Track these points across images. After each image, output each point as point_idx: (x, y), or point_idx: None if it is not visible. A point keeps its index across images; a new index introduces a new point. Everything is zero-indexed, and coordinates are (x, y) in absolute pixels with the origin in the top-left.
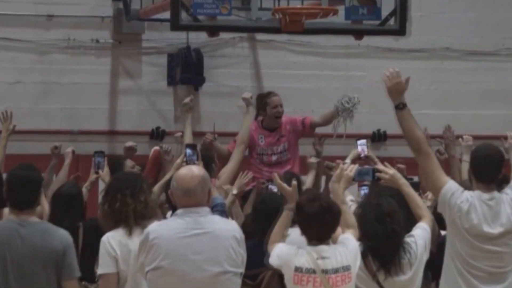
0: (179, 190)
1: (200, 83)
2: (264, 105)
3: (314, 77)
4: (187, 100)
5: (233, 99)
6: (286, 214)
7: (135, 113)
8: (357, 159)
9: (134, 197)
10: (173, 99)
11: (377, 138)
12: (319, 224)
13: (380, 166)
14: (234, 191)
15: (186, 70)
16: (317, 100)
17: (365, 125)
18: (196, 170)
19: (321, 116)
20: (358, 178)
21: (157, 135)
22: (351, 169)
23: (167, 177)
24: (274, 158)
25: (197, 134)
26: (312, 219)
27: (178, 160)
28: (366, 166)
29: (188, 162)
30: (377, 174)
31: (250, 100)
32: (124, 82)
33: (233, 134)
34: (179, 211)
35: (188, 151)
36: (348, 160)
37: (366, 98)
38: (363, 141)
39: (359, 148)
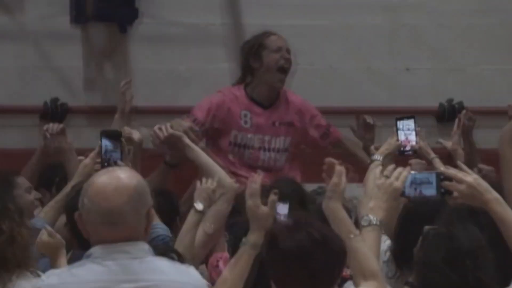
0: (94, 214)
1: (130, 19)
2: (258, 50)
3: (335, 5)
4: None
5: (189, 48)
6: (245, 255)
7: (13, 73)
8: (395, 154)
9: None
10: (82, 48)
11: (446, 114)
12: (305, 272)
13: (449, 169)
14: (199, 205)
15: None
16: (336, 47)
17: (422, 93)
18: (123, 176)
19: (353, 147)
20: (411, 192)
21: (53, 112)
22: (397, 176)
23: (67, 188)
24: (263, 156)
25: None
26: (292, 262)
27: (87, 159)
28: (425, 171)
29: (106, 162)
30: (445, 184)
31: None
32: None
33: (182, 110)
34: (95, 249)
35: (105, 142)
36: (378, 156)
37: (422, 40)
38: (409, 122)
39: (401, 134)
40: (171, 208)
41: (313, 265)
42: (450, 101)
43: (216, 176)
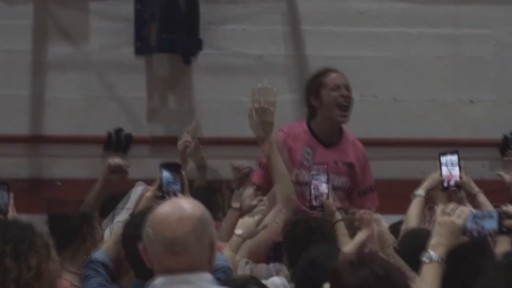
0: (157, 243)
1: (194, 50)
2: (317, 89)
3: (400, 37)
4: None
5: (252, 79)
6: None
7: (77, 103)
8: (438, 189)
9: (19, 260)
10: (146, 78)
11: (510, 146)
12: None
13: (509, 207)
14: (239, 231)
15: (169, 28)
16: (400, 79)
17: (486, 124)
18: (187, 207)
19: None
20: (473, 226)
21: (117, 143)
22: (459, 213)
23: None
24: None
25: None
26: None
27: (148, 192)
28: (486, 210)
29: (166, 194)
30: (508, 223)
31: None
32: (56, 49)
33: (246, 141)
34: (158, 279)
35: (166, 174)
36: (421, 192)
37: (491, 70)
38: (453, 157)
39: (445, 169)
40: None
41: None
42: None
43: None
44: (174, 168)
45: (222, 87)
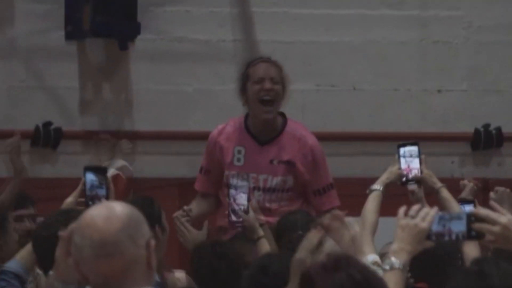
0: (86, 249)
1: (131, 35)
2: (244, 82)
3: (360, 19)
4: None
5: (196, 67)
6: None
7: (1, 93)
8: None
9: None
10: (78, 66)
11: (482, 141)
12: None
13: (481, 209)
14: None
15: (104, 10)
16: (360, 66)
17: (456, 117)
18: (115, 206)
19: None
20: (439, 229)
21: (45, 137)
22: (423, 216)
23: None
24: (259, 197)
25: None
26: None
27: (69, 198)
28: (454, 211)
29: (90, 199)
30: (477, 226)
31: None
32: None
33: (189, 136)
34: None
35: (90, 177)
36: (378, 186)
37: (461, 56)
38: (412, 148)
39: (403, 162)
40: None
41: None
42: (486, 126)
43: None
44: (99, 171)
45: (163, 76)
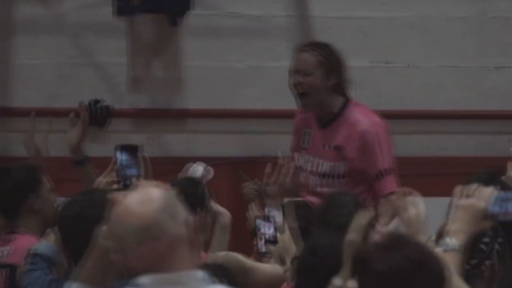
0: (129, 237)
1: (181, 10)
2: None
3: None
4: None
5: (248, 43)
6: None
7: (49, 70)
8: None
9: None
10: (127, 42)
11: None
12: None
13: None
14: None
15: None
16: (416, 43)
17: (507, 92)
18: (147, 189)
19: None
20: (496, 210)
21: (93, 115)
22: (480, 195)
23: None
24: (313, 181)
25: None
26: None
27: (101, 178)
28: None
29: (121, 178)
30: None
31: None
32: (26, 9)
33: (240, 114)
34: (144, 279)
35: (121, 157)
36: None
37: None
38: None
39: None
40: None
41: None
42: None
43: None
44: (131, 150)
45: (214, 52)
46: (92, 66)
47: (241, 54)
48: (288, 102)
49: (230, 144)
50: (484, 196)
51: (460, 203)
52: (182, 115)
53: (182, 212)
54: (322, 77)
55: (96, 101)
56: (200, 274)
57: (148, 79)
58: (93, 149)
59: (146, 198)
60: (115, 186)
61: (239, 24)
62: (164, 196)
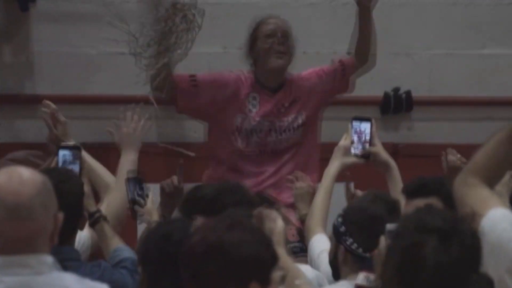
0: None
1: None
2: (254, 40)
3: None
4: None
5: (101, 29)
6: None
7: None
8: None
9: None
10: None
11: (392, 105)
12: None
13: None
14: None
15: None
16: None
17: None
18: (27, 171)
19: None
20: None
21: None
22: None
23: None
24: (272, 138)
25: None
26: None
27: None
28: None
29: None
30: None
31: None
32: None
33: (93, 99)
34: None
35: (63, 152)
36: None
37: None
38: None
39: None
40: None
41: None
42: (396, 90)
43: None
44: (73, 148)
45: (66, 38)
46: None
47: (93, 40)
48: (139, 88)
49: (82, 129)
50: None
51: None
52: (33, 101)
53: (54, 203)
54: (293, 47)
55: None
56: (49, 259)
57: None
58: None
59: (26, 179)
60: None
61: (91, 9)
62: (43, 182)
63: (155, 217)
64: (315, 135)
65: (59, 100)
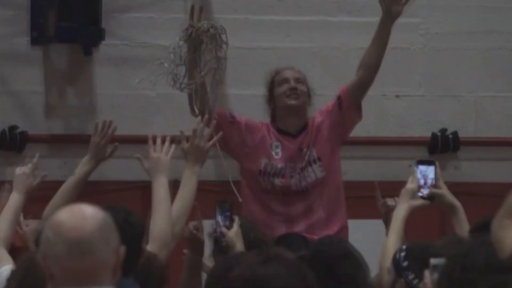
0: (60, 246)
1: (95, 40)
2: (271, 88)
3: (320, 26)
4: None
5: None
6: None
7: None
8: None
9: None
10: (43, 71)
11: (440, 145)
12: None
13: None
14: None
15: (68, 16)
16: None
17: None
18: (88, 208)
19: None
20: None
21: (11, 141)
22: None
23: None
24: (294, 181)
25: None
26: None
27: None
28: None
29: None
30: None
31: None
32: None
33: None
34: None
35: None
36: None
37: (414, 64)
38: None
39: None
40: None
41: None
42: (443, 131)
43: None
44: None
45: (126, 81)
46: (9, 94)
47: (151, 82)
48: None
49: (140, 168)
50: None
51: None
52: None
53: (116, 237)
54: (308, 92)
55: (13, 127)
56: None
57: (62, 106)
58: (9, 173)
59: (87, 215)
60: None
61: (149, 53)
62: (104, 218)
63: (239, 247)
64: (338, 172)
65: (121, 140)
